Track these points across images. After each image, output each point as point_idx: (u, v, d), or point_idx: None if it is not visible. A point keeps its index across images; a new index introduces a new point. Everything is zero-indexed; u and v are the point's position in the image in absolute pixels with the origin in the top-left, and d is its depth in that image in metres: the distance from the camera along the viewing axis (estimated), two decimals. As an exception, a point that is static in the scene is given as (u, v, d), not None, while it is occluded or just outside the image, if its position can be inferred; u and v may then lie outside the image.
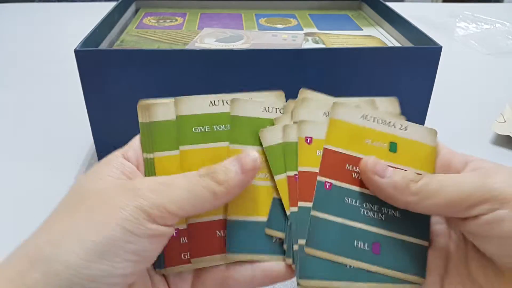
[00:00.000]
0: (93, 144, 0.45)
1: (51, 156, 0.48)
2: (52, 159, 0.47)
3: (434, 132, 0.27)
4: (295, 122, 0.27)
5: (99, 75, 0.40)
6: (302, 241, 0.24)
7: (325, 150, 0.26)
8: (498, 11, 1.04)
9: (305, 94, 0.28)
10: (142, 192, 0.20)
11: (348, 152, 0.26)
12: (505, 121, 0.54)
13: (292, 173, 0.25)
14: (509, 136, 0.52)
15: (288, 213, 0.24)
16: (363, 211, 0.25)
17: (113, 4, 0.55)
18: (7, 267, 0.19)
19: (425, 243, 0.25)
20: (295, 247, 0.24)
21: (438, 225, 0.26)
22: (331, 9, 0.68)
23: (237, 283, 0.24)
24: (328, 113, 0.27)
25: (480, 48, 0.81)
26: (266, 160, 0.26)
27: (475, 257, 0.24)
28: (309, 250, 0.24)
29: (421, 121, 0.46)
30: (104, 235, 0.19)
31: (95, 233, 0.19)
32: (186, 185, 0.21)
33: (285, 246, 0.24)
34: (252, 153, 0.23)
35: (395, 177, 0.24)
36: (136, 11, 0.65)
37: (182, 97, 0.27)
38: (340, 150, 0.26)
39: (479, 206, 0.22)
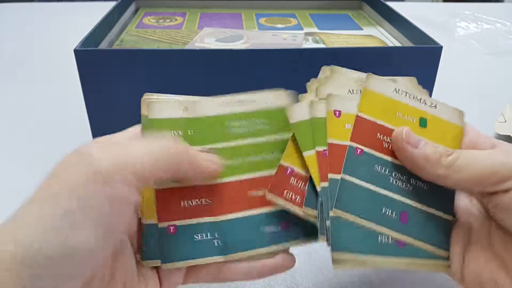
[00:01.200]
0: (93, 144, 0.45)
1: (51, 156, 0.48)
2: (52, 159, 0.47)
3: (462, 114, 0.28)
4: (321, 99, 0.27)
5: (99, 75, 0.40)
6: (333, 213, 0.24)
7: (357, 117, 0.26)
8: (499, 11, 1.04)
9: (329, 71, 0.28)
10: (91, 155, 0.20)
11: (380, 122, 0.26)
12: (505, 121, 0.54)
13: (321, 149, 0.25)
14: (509, 136, 0.52)
15: (319, 189, 0.24)
16: (392, 180, 0.25)
17: (113, 3, 0.55)
18: None
19: (449, 217, 0.25)
20: (327, 223, 0.23)
21: (461, 202, 0.27)
22: (331, 8, 0.68)
23: (234, 275, 0.24)
24: (353, 90, 0.27)
25: (480, 47, 0.81)
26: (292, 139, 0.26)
27: (498, 233, 0.24)
28: (337, 212, 0.23)
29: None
30: (58, 205, 0.18)
31: (50, 206, 0.18)
32: (144, 145, 0.22)
33: (318, 224, 0.24)
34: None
35: (427, 149, 0.24)
36: (136, 10, 0.65)
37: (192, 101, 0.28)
38: (372, 119, 0.26)
39: (507, 181, 0.22)
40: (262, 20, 0.61)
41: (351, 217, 0.23)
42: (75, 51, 0.39)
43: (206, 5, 0.67)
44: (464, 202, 0.27)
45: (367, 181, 0.25)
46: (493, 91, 0.66)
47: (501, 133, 0.52)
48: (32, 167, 0.46)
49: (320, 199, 0.24)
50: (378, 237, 0.24)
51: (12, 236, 0.17)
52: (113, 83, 0.41)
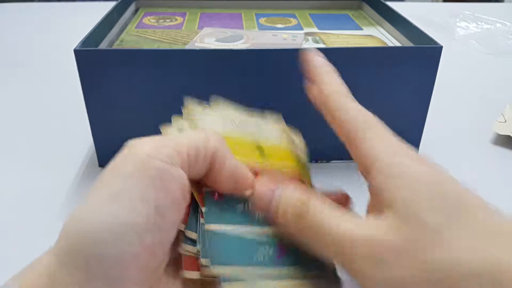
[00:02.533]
0: (93, 144, 0.45)
1: (51, 156, 0.48)
2: (52, 159, 0.47)
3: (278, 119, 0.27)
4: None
5: (99, 75, 0.40)
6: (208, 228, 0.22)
7: None
8: (499, 11, 1.04)
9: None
10: (134, 149, 0.20)
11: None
12: (505, 121, 0.54)
13: None
14: (509, 136, 0.52)
15: (203, 210, 0.23)
16: (259, 215, 0.24)
17: (113, 3, 0.55)
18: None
19: None
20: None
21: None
22: (331, 8, 0.68)
23: None
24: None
25: (480, 47, 0.81)
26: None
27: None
28: (216, 268, 0.22)
29: (422, 121, 0.46)
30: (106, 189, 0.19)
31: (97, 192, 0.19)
32: (182, 133, 0.22)
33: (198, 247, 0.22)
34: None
35: (278, 212, 0.22)
36: (136, 10, 0.65)
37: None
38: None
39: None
40: (262, 20, 0.61)
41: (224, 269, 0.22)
42: (75, 51, 0.39)
43: (206, 5, 0.67)
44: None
45: (233, 224, 0.23)
46: (493, 91, 0.66)
47: (501, 133, 0.52)
48: (32, 167, 0.46)
49: (199, 222, 0.23)
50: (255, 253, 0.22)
51: (67, 230, 0.18)
52: (113, 83, 0.41)
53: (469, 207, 0.18)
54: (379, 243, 0.18)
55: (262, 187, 0.23)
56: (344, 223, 0.20)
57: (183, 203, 0.21)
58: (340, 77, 0.26)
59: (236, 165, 0.23)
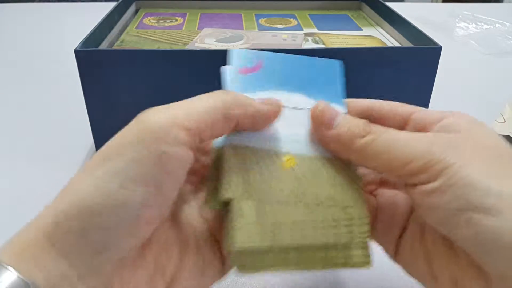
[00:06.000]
0: (93, 144, 0.45)
1: (51, 156, 0.48)
2: (52, 159, 0.47)
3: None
4: None
5: (99, 75, 0.40)
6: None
7: None
8: (498, 11, 1.04)
9: None
10: (146, 117, 0.20)
11: None
12: (505, 121, 0.54)
13: None
14: (509, 136, 0.52)
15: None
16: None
17: (113, 4, 0.55)
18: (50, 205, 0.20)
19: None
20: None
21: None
22: (331, 9, 0.68)
23: None
24: None
25: (480, 48, 0.81)
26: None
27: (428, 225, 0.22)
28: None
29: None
30: (108, 167, 0.19)
31: (100, 168, 0.19)
32: (196, 100, 0.21)
33: None
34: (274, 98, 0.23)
35: (340, 129, 0.22)
36: (136, 11, 0.65)
37: None
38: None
39: (418, 175, 0.20)
40: (262, 21, 0.61)
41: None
42: (76, 51, 0.39)
43: (206, 6, 0.67)
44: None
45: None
46: (492, 91, 0.66)
47: (500, 133, 0.52)
48: (32, 166, 0.47)
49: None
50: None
51: (64, 196, 0.19)
52: (113, 83, 0.41)
53: None
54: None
55: (327, 105, 0.23)
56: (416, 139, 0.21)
57: (184, 178, 0.21)
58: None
59: (258, 110, 0.22)
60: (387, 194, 0.26)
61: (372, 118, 0.25)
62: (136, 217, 0.18)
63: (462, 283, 0.20)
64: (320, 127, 0.23)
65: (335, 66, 0.28)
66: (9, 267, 0.17)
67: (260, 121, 0.23)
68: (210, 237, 0.23)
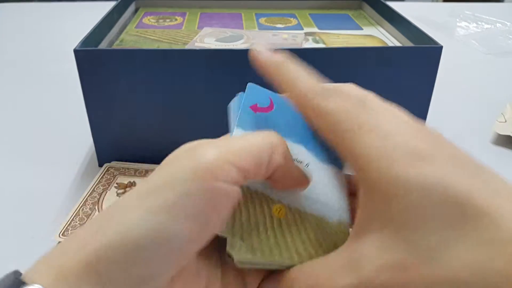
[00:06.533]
0: (93, 144, 0.45)
1: (51, 156, 0.48)
2: (52, 159, 0.47)
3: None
4: None
5: (99, 74, 0.40)
6: None
7: None
8: (499, 11, 1.04)
9: None
10: (198, 151, 0.19)
11: None
12: (505, 121, 0.54)
13: None
14: (509, 136, 0.52)
15: None
16: None
17: (113, 3, 0.55)
18: (78, 234, 0.19)
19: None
20: None
21: None
22: (331, 8, 0.68)
23: None
24: None
25: (480, 47, 0.81)
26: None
27: None
28: None
29: (422, 121, 0.46)
30: (157, 198, 0.18)
31: (151, 198, 0.19)
32: (245, 138, 0.21)
33: None
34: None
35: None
36: (136, 10, 0.65)
37: None
38: None
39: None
40: (262, 20, 0.61)
41: None
42: (75, 51, 0.39)
43: (206, 5, 0.67)
44: None
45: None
46: (493, 91, 0.66)
47: (501, 133, 0.52)
48: (31, 167, 0.46)
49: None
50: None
51: (108, 225, 0.18)
52: (113, 83, 0.41)
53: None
54: None
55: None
56: None
57: (230, 214, 0.21)
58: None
59: (295, 171, 0.23)
60: None
61: None
62: (180, 251, 0.18)
63: None
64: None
65: None
66: None
67: (292, 183, 0.23)
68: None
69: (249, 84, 0.27)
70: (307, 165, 0.25)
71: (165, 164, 0.20)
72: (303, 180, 0.24)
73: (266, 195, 0.24)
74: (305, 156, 0.25)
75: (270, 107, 0.26)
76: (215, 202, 0.19)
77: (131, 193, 0.20)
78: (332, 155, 0.25)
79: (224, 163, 0.19)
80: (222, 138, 0.22)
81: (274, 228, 0.23)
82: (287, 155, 0.22)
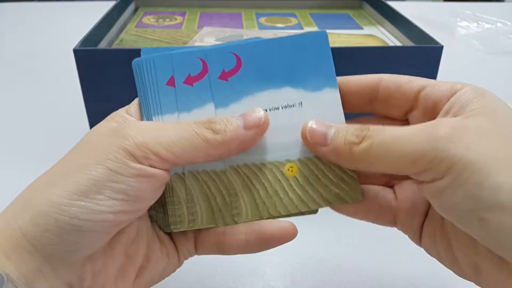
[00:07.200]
0: (92, 144, 0.45)
1: (50, 155, 0.48)
2: (51, 158, 0.47)
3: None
4: None
5: (98, 74, 0.40)
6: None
7: None
8: (499, 11, 1.03)
9: None
10: (127, 133, 0.20)
11: None
12: (506, 121, 0.54)
13: None
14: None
15: None
16: None
17: (112, 3, 0.55)
18: (6, 212, 0.20)
19: None
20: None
21: None
22: (331, 8, 0.68)
23: (231, 248, 0.24)
24: None
25: (481, 47, 0.81)
26: None
27: None
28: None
29: (422, 121, 0.46)
30: (86, 175, 0.19)
31: (79, 174, 0.19)
32: (176, 129, 0.21)
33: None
34: (258, 110, 0.22)
35: (336, 142, 0.21)
36: (136, 10, 0.65)
37: None
38: None
39: (423, 173, 0.19)
40: (262, 20, 0.61)
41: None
42: (74, 50, 0.39)
43: (206, 5, 0.67)
44: None
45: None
46: (493, 90, 0.65)
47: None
48: (31, 167, 0.46)
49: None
50: None
51: (42, 194, 0.20)
52: (113, 83, 0.41)
53: None
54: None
55: (314, 124, 0.23)
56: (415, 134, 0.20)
57: (161, 191, 0.22)
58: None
59: (243, 141, 0.23)
60: (404, 185, 0.25)
61: (379, 100, 0.25)
62: (111, 222, 0.20)
63: (483, 267, 0.20)
64: (315, 146, 0.23)
65: (320, 39, 0.25)
66: None
67: (248, 146, 0.23)
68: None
69: (152, 56, 0.25)
70: (300, 104, 0.24)
71: (89, 142, 0.22)
72: (262, 129, 0.23)
73: (265, 162, 0.24)
74: (295, 96, 0.24)
75: (238, 66, 0.24)
76: (142, 180, 0.20)
77: (56, 168, 0.22)
78: (324, 74, 0.24)
79: (146, 151, 0.20)
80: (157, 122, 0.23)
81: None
82: (228, 142, 0.22)
